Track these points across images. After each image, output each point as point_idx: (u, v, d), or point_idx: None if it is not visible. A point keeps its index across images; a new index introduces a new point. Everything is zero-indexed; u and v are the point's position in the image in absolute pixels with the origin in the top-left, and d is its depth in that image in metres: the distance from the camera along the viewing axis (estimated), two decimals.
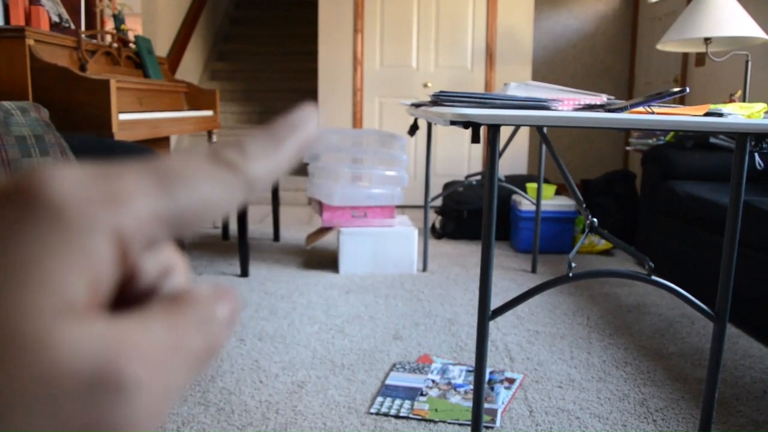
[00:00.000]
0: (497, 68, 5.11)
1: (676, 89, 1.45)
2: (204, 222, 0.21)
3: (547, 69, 6.34)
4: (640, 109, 1.54)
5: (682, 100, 5.29)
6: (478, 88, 5.11)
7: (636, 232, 3.61)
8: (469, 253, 3.68)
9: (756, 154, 1.85)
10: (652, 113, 1.45)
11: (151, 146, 3.77)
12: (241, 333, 2.37)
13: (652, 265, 1.44)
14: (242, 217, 3.08)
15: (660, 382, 2.07)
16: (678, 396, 1.97)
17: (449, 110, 1.37)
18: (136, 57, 3.79)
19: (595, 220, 1.64)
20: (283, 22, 7.32)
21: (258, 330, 2.40)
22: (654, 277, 1.46)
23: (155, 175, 0.20)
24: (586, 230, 1.61)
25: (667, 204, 3.18)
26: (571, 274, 1.44)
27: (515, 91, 2.42)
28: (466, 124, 1.33)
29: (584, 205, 1.72)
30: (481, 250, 1.43)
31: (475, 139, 1.34)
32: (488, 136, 1.37)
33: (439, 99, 1.79)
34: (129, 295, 0.21)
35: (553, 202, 3.67)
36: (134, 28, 4.17)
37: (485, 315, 1.45)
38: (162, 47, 5.13)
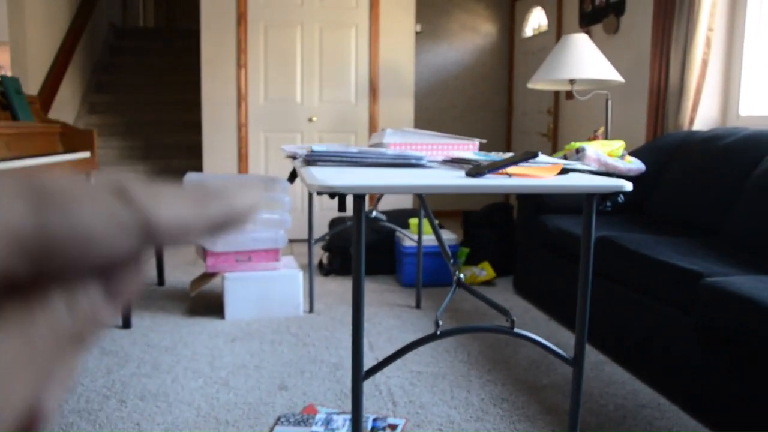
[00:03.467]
0: (381, 102, 5.23)
1: (531, 153, 1.56)
2: (78, 257, 0.18)
3: (430, 100, 6.54)
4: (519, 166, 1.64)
5: (555, 132, 5.60)
6: (362, 121, 5.21)
7: (514, 262, 3.78)
8: None
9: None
10: (509, 176, 1.55)
11: None
12: (121, 393, 2.30)
13: (514, 319, 1.53)
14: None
15: (533, 416, 2.18)
16: (549, 430, 2.08)
17: (316, 180, 1.40)
18: (2, 97, 3.62)
19: (462, 276, 1.72)
20: (166, 51, 7.19)
21: (140, 389, 2.34)
22: (516, 330, 1.55)
23: (25, 189, 0.17)
24: (453, 286, 1.69)
25: (540, 237, 3.35)
26: (439, 332, 1.50)
27: (391, 138, 2.50)
28: (331, 195, 1.38)
29: (452, 261, 1.80)
30: (352, 321, 1.47)
31: (341, 208, 1.39)
32: (354, 204, 1.42)
33: (312, 159, 1.83)
34: None
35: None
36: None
37: (359, 376, 1.50)
38: (35, 78, 4.92)
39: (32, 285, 0.18)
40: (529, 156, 1.56)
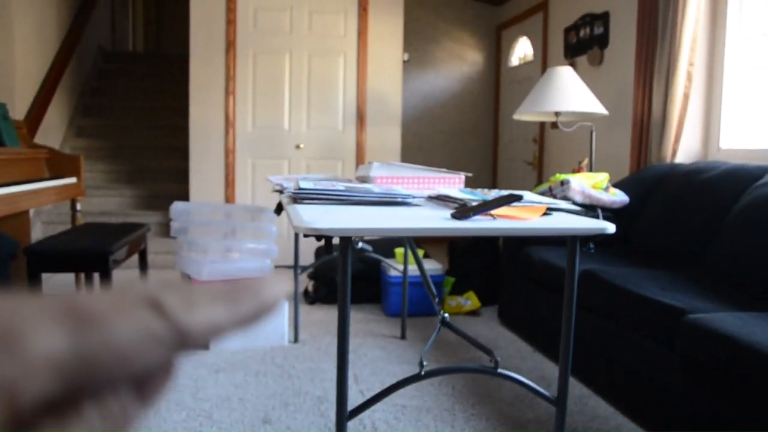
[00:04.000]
0: (368, 129, 5.27)
1: (516, 197, 1.59)
2: (113, 373, 0.19)
3: (417, 126, 6.59)
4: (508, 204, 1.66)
5: (540, 162, 5.65)
6: (350, 149, 5.24)
7: (499, 292, 3.80)
8: None
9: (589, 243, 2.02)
10: (494, 218, 1.57)
11: (9, 221, 3.59)
12: None
13: (498, 359, 1.54)
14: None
15: None
16: None
17: (303, 222, 1.42)
18: None
19: (446, 315, 1.73)
20: (155, 76, 7.21)
21: None
22: (500, 371, 1.57)
23: (62, 311, 0.18)
24: (438, 326, 1.70)
25: (525, 268, 3.38)
26: (423, 372, 1.51)
27: (378, 171, 2.53)
28: (318, 237, 1.39)
29: (437, 299, 1.81)
30: (337, 361, 1.47)
31: (327, 250, 1.40)
32: (341, 246, 1.44)
33: (299, 196, 1.84)
34: None
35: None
36: None
37: (343, 416, 1.50)
38: (22, 102, 4.91)
39: (68, 402, 0.19)
40: (513, 199, 1.59)
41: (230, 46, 5.01)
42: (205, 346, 0.23)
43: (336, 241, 1.45)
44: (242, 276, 3.15)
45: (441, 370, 1.63)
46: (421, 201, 2.06)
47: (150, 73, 7.29)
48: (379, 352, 3.16)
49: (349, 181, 2.63)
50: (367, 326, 3.61)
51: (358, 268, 3.99)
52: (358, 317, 3.78)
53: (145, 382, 0.22)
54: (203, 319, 0.20)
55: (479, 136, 6.83)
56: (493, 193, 1.99)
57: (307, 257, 4.79)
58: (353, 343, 3.29)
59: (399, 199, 1.88)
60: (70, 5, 6.14)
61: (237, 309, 0.21)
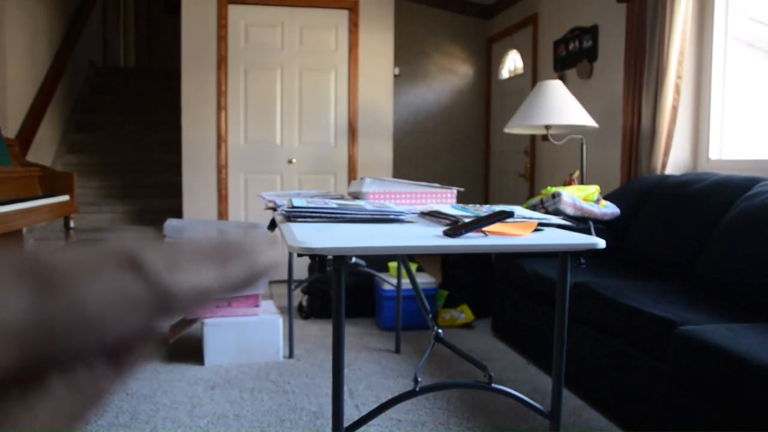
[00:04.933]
0: (360, 143, 5.29)
1: (506, 213, 1.61)
2: (84, 341, 0.17)
3: (409, 139, 6.62)
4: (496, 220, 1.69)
5: (532, 173, 5.68)
6: (342, 163, 5.26)
7: (493, 305, 3.81)
8: None
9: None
10: (485, 234, 1.59)
11: (1, 239, 3.59)
12: None
13: (492, 374, 1.56)
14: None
15: None
16: None
17: (297, 241, 1.43)
18: None
19: (440, 331, 1.75)
20: (147, 91, 7.22)
21: None
22: (494, 385, 1.58)
23: (25, 273, 0.16)
24: (432, 342, 1.72)
25: (518, 280, 3.40)
26: (418, 389, 1.53)
27: (370, 187, 2.55)
28: (312, 256, 1.41)
29: (430, 315, 1.83)
30: (332, 385, 1.49)
31: (321, 269, 1.42)
32: (334, 265, 1.45)
33: (291, 215, 1.86)
34: None
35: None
36: None
37: None
38: (14, 119, 4.91)
39: (31, 374, 0.17)
40: (504, 216, 1.61)
41: (222, 61, 5.03)
42: (187, 314, 0.21)
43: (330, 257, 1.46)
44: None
45: (436, 385, 1.64)
46: (414, 217, 2.08)
47: (142, 88, 7.30)
48: (374, 367, 3.17)
49: (342, 197, 2.65)
50: (362, 340, 3.62)
51: (352, 282, 4.00)
52: (352, 331, 3.79)
53: (121, 351, 0.19)
54: (188, 282, 0.18)
55: (471, 149, 6.87)
56: (485, 209, 2.01)
57: (301, 272, 4.80)
58: (348, 357, 3.30)
59: (392, 217, 1.90)
60: (62, 21, 6.16)
61: (226, 272, 0.19)
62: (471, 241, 1.53)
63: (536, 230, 1.75)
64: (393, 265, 3.84)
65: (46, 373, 0.18)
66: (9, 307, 0.15)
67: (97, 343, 0.17)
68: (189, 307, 0.19)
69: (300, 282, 3.47)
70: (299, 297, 4.33)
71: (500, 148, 6.53)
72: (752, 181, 2.90)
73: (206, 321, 3.12)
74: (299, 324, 3.91)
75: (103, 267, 0.17)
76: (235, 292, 0.20)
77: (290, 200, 2.08)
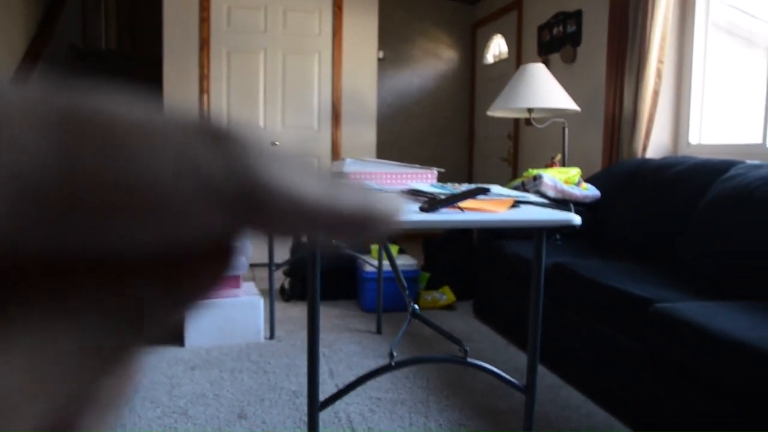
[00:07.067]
0: (343, 127, 5.29)
1: (483, 189, 1.62)
2: (131, 235, 0.12)
3: (393, 125, 6.61)
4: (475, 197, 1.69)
5: (514, 160, 5.70)
6: (325, 147, 5.26)
7: (474, 286, 3.83)
8: None
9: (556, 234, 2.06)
10: (462, 210, 1.60)
11: None
12: None
13: (467, 349, 1.57)
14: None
15: None
16: None
17: None
18: None
19: (416, 306, 1.76)
20: (128, 74, 7.16)
21: None
22: (469, 359, 1.59)
23: (59, 117, 0.11)
24: (408, 317, 1.73)
25: (498, 262, 3.42)
26: (393, 363, 1.54)
27: (351, 167, 2.55)
28: None
29: (407, 292, 1.84)
30: (308, 355, 1.50)
31: (294, 246, 1.42)
32: (309, 242, 1.45)
33: None
34: None
35: (396, 261, 3.82)
36: None
37: (315, 407, 1.52)
38: None
39: (51, 275, 0.12)
40: (480, 191, 1.62)
41: (204, 44, 5.00)
42: (278, 232, 0.13)
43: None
44: None
45: (411, 360, 1.65)
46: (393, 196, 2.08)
47: (123, 71, 7.24)
48: (355, 347, 3.19)
49: None
50: (343, 322, 3.63)
51: (334, 264, 4.01)
52: (334, 313, 3.80)
53: (184, 268, 0.14)
54: (289, 185, 0.13)
55: (455, 134, 6.88)
56: (463, 188, 2.02)
57: (282, 253, 4.79)
58: (329, 338, 3.31)
59: None
60: (39, 2, 6.08)
61: (338, 196, 0.14)
62: (446, 216, 1.54)
63: (513, 207, 1.76)
64: (375, 247, 3.85)
65: (72, 275, 0.12)
66: (24, 154, 0.10)
67: (151, 243, 0.12)
68: (282, 223, 0.13)
69: (281, 264, 3.47)
70: (281, 279, 4.33)
71: (484, 132, 6.54)
72: (729, 164, 2.92)
73: None
74: (281, 306, 3.92)
75: (174, 131, 0.12)
76: (342, 227, 0.14)
77: None
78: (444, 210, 1.59)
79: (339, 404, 2.48)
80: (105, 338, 0.13)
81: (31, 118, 0.11)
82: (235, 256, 0.14)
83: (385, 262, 3.55)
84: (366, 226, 0.14)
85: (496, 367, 2.92)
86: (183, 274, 0.14)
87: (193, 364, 2.90)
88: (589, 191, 3.41)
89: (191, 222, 0.12)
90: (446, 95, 6.81)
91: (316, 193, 0.13)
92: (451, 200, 1.59)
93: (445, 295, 3.94)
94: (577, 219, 1.62)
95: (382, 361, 2.96)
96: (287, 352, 3.09)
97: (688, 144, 3.85)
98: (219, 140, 0.12)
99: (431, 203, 1.58)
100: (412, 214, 1.54)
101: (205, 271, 0.14)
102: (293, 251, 4.09)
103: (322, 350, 3.11)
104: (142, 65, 7.22)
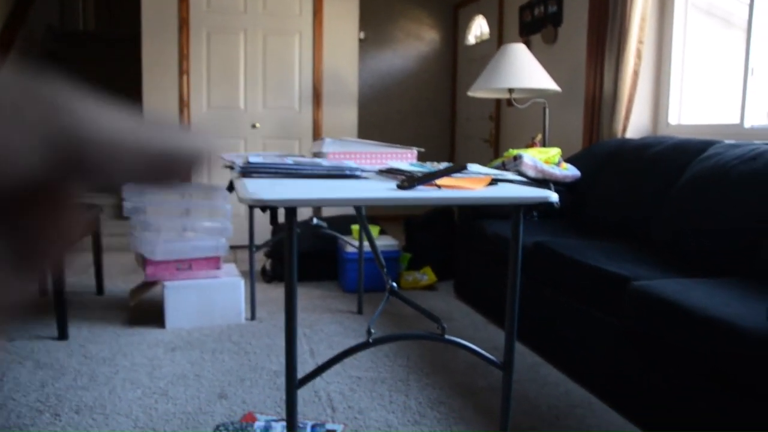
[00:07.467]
0: (324, 108, 5.26)
1: (460, 166, 1.62)
2: None
3: (374, 106, 6.59)
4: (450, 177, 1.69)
5: (495, 140, 5.71)
6: (306, 128, 5.23)
7: (455, 267, 3.85)
8: (299, 296, 3.75)
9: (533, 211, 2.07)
10: (439, 188, 1.60)
11: None
12: (56, 407, 2.27)
13: (445, 326, 1.58)
14: (59, 271, 2.94)
15: (470, 419, 2.24)
16: (484, 431, 2.15)
17: (248, 193, 1.43)
18: None
19: (394, 284, 1.77)
20: (107, 55, 7.06)
21: (76, 401, 2.32)
22: (447, 336, 1.60)
23: None
24: (386, 295, 1.73)
25: (479, 241, 3.43)
26: (371, 340, 1.54)
27: (330, 147, 2.54)
28: (263, 209, 1.41)
29: (385, 270, 1.84)
30: (285, 332, 1.49)
31: (273, 221, 1.42)
32: (286, 218, 1.45)
33: (247, 171, 1.85)
34: None
35: (377, 242, 3.83)
36: None
37: (293, 384, 1.52)
38: None
39: None
40: (457, 168, 1.62)
41: (183, 24, 4.94)
42: (107, 178, 0.14)
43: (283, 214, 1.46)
44: (197, 255, 3.14)
45: (388, 337, 1.66)
46: (371, 175, 2.08)
47: (103, 51, 7.14)
48: (336, 327, 3.19)
49: (302, 157, 2.64)
50: (324, 302, 3.63)
51: (315, 245, 4.00)
52: (315, 294, 3.80)
53: (16, 222, 0.14)
54: (109, 130, 0.14)
55: (437, 115, 6.87)
56: (442, 166, 2.02)
57: (264, 236, 4.78)
58: (310, 318, 3.31)
59: (347, 172, 1.90)
60: None
61: (157, 137, 0.15)
62: (423, 193, 1.54)
63: (491, 185, 1.76)
64: (356, 227, 3.85)
65: None
66: None
67: None
68: (104, 168, 0.14)
69: (261, 245, 3.46)
70: (262, 261, 4.32)
71: (466, 114, 6.54)
72: (707, 144, 2.95)
73: (167, 284, 3.10)
74: (262, 287, 3.91)
75: None
76: (161, 168, 0.15)
77: (246, 157, 2.06)
78: (421, 188, 1.59)
79: (319, 383, 2.49)
80: None
81: None
82: (71, 205, 0.15)
83: (366, 243, 3.55)
84: (183, 166, 0.15)
85: (476, 345, 2.94)
86: (17, 224, 0.14)
87: (173, 346, 2.90)
88: (569, 171, 3.43)
89: (16, 167, 0.12)
90: (428, 76, 6.79)
91: (136, 135, 0.14)
92: (429, 178, 1.59)
93: (427, 276, 3.95)
94: (554, 196, 1.63)
95: (363, 340, 2.98)
96: (268, 333, 3.09)
97: (668, 124, 3.87)
98: (39, 96, 0.13)
99: (409, 180, 1.58)
100: (390, 191, 1.54)
101: (40, 221, 0.14)
102: (274, 232, 4.08)
103: (303, 330, 3.12)
104: (121, 46, 7.12)
